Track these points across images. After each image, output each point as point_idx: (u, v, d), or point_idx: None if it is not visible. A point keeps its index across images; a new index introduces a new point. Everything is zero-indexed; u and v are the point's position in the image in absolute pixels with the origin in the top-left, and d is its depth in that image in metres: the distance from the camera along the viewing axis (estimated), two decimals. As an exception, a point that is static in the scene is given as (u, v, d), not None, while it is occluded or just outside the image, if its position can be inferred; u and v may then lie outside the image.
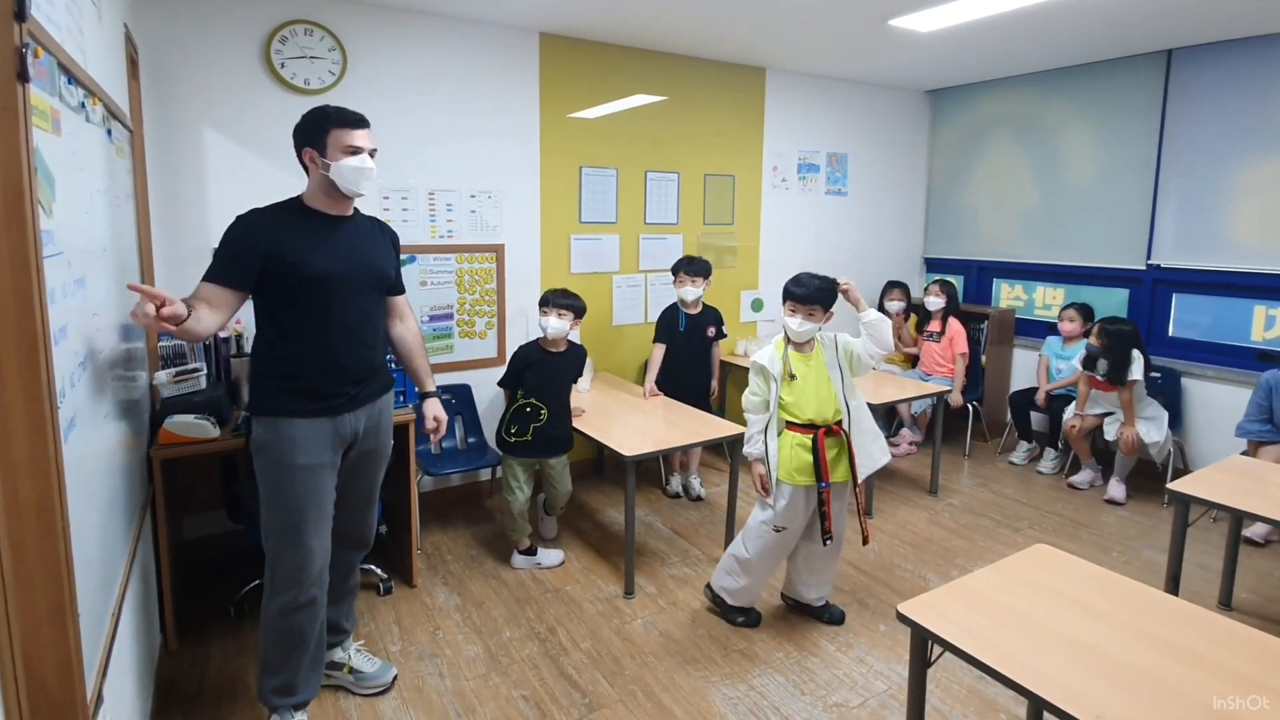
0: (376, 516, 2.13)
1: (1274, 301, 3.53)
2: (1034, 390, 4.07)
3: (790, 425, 2.26)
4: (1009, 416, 4.30)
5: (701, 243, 4.21)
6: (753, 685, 2.12)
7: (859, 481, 2.28)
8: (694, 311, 3.54)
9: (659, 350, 3.50)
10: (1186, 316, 3.88)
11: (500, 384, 2.93)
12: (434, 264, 3.36)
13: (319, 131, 1.78)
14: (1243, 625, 1.44)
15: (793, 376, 2.25)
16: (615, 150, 3.84)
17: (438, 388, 3.27)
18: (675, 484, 3.65)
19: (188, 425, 2.24)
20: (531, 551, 2.86)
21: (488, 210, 3.47)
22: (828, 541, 2.29)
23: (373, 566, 2.68)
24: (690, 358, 3.53)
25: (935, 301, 4.27)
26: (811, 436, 2.22)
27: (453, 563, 2.89)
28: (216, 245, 1.76)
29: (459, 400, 3.42)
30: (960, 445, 4.30)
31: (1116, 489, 3.59)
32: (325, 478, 1.82)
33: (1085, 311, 3.96)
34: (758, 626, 2.43)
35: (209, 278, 1.71)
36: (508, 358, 3.51)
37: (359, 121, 1.83)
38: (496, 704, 2.04)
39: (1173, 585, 2.33)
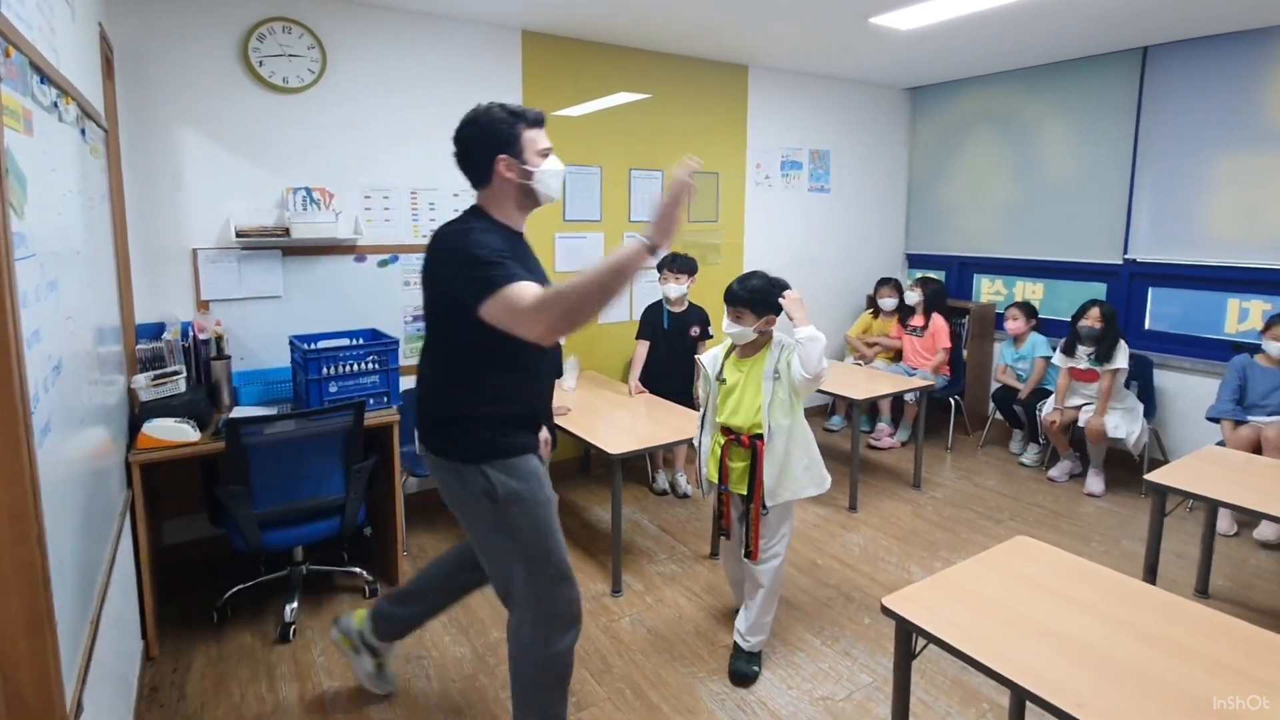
0: None
1: (1247, 294, 3.61)
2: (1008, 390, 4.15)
3: (723, 428, 2.18)
4: (990, 410, 4.36)
5: (686, 240, 4.21)
6: (735, 682, 2.14)
7: (765, 502, 2.09)
8: (678, 309, 3.55)
9: (642, 347, 3.51)
10: (1162, 310, 3.96)
11: None
12: (417, 264, 3.32)
13: (513, 134, 1.59)
14: (1220, 613, 1.47)
15: (721, 380, 2.17)
16: (599, 148, 3.84)
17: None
18: (662, 481, 3.66)
19: (167, 429, 2.22)
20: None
21: (471, 209, 3.45)
22: (724, 537, 2.25)
23: (357, 569, 2.66)
24: (674, 355, 3.53)
25: (912, 296, 4.38)
26: (721, 437, 2.17)
27: (439, 564, 2.87)
28: (474, 255, 1.45)
29: (444, 400, 3.40)
30: (943, 439, 4.35)
31: (1095, 483, 3.65)
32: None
33: (1028, 309, 4.11)
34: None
35: (519, 277, 1.42)
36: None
37: (542, 119, 1.66)
38: (484, 705, 2.04)
39: (1150, 574, 2.38)
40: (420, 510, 3.33)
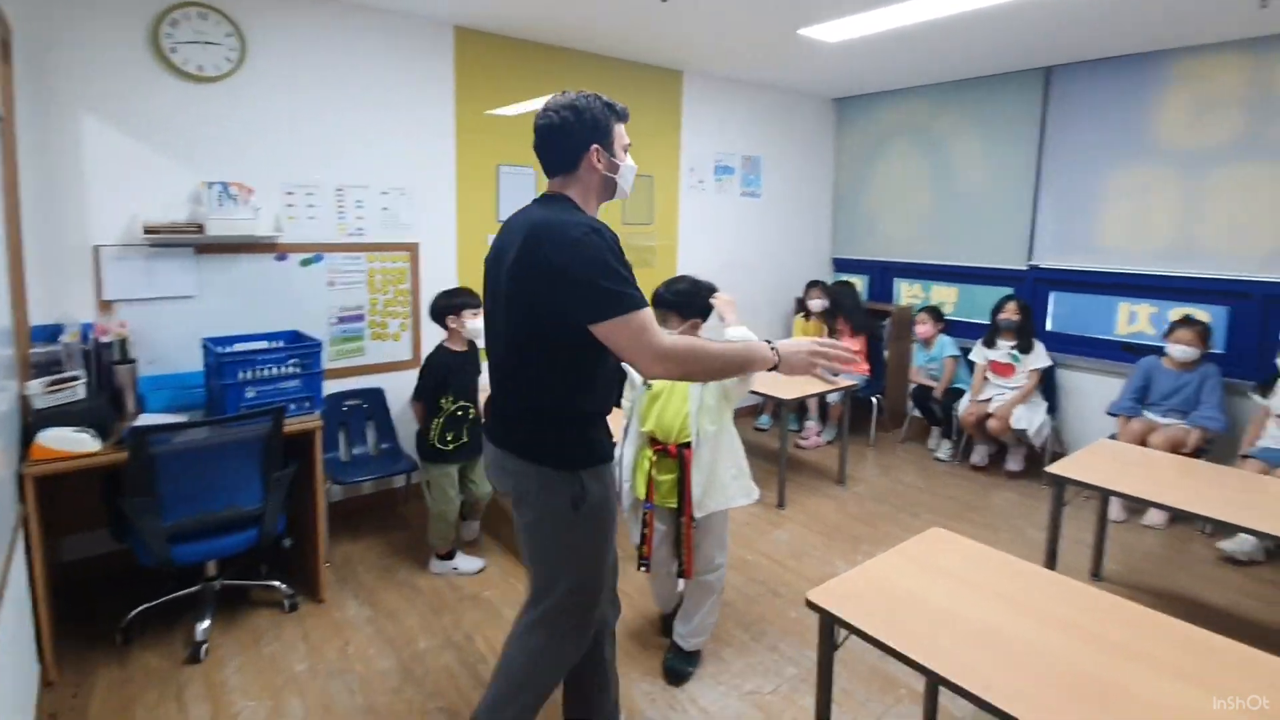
0: None
1: (1136, 299, 3.93)
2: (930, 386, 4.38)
3: (650, 438, 2.12)
4: (909, 408, 4.58)
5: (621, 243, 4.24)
6: (669, 680, 2.17)
7: (693, 514, 2.07)
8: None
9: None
10: (1061, 312, 4.26)
11: (416, 397, 2.83)
12: (343, 263, 3.23)
13: (608, 125, 1.53)
14: (1111, 595, 1.59)
15: (647, 385, 2.11)
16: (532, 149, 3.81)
17: (347, 392, 3.18)
18: None
19: (64, 439, 2.08)
20: (450, 556, 2.81)
21: (401, 208, 3.37)
22: (642, 568, 2.15)
23: (276, 583, 2.56)
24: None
25: (816, 303, 4.61)
26: (651, 452, 2.10)
27: (364, 574, 2.80)
28: (610, 264, 1.37)
29: (371, 404, 3.31)
30: (866, 436, 4.54)
31: (1013, 462, 4.02)
32: None
33: (935, 314, 4.36)
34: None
35: (642, 305, 1.38)
36: (424, 360, 3.46)
37: (628, 114, 1.61)
38: (411, 718, 2.00)
39: (1051, 560, 2.55)
40: (345, 519, 3.23)
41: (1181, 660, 1.36)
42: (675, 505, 2.10)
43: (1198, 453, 3.24)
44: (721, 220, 4.74)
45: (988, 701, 1.25)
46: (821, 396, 4.16)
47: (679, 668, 2.19)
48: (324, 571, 2.59)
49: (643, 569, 2.17)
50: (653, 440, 2.12)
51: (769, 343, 1.51)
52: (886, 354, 4.72)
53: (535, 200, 1.58)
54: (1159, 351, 3.53)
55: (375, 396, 3.33)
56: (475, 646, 2.33)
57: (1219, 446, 3.36)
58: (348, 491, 3.31)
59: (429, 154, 3.43)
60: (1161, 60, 3.68)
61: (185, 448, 2.18)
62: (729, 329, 2.06)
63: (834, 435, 4.52)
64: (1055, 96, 4.12)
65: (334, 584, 2.70)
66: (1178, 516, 3.32)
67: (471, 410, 2.79)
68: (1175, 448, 3.21)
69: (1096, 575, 2.91)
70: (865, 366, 4.57)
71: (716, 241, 4.70)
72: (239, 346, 2.62)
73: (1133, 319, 3.95)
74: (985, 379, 4.09)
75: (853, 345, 4.51)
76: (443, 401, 2.74)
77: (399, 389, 3.42)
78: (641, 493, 2.13)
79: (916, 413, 4.50)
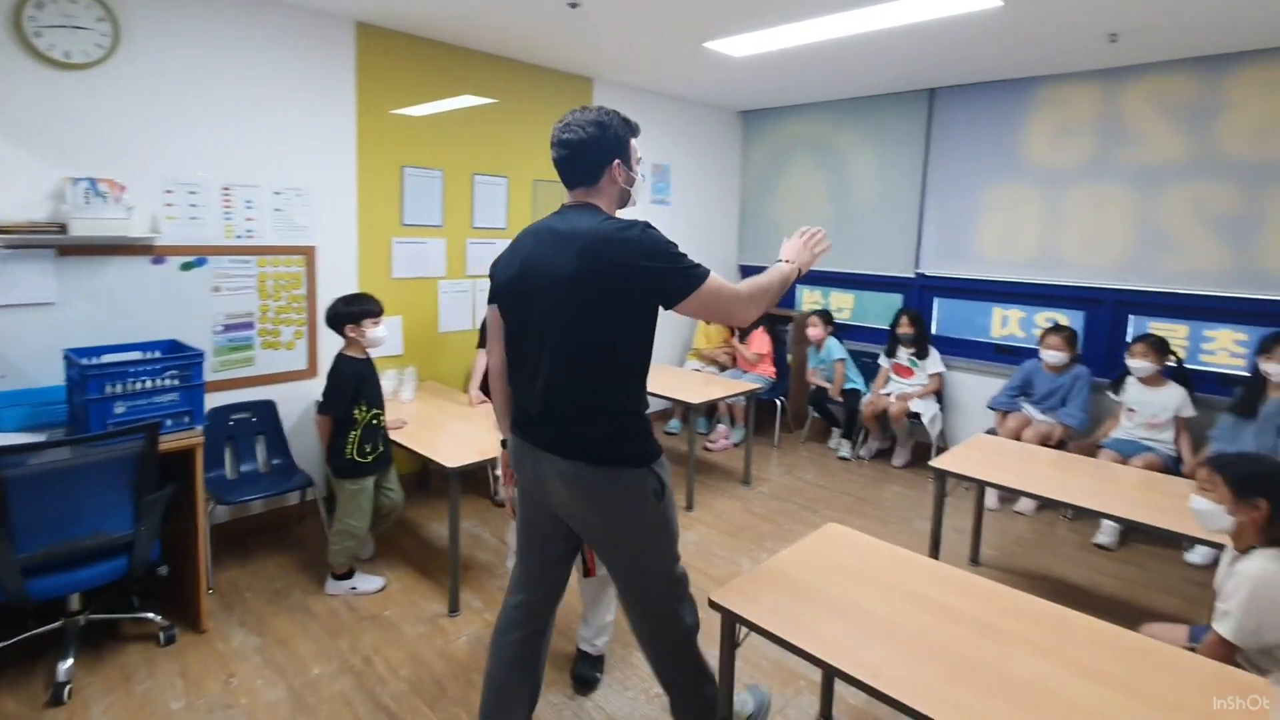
0: None
1: (1008, 304, 4.28)
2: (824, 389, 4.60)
3: None
4: (809, 409, 4.79)
5: (532, 248, 4.20)
6: (573, 695, 2.16)
7: None
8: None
9: (483, 356, 3.44)
10: (945, 316, 4.58)
11: (327, 411, 2.61)
12: (230, 267, 3.03)
13: (626, 141, 1.65)
14: (987, 580, 1.72)
15: None
16: (441, 151, 3.72)
17: (234, 405, 2.98)
18: (505, 492, 3.60)
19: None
20: (349, 575, 2.68)
21: (296, 209, 3.20)
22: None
23: (150, 615, 2.36)
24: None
25: None
26: None
27: (252, 599, 2.62)
28: (673, 250, 1.52)
29: (261, 418, 3.11)
30: (771, 437, 4.71)
31: (899, 456, 4.34)
32: None
33: (825, 316, 4.61)
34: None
35: (708, 271, 1.53)
36: (321, 370, 3.29)
37: (639, 130, 1.73)
38: (303, 748, 1.90)
39: (934, 549, 2.73)
40: (231, 542, 3.02)
41: (1047, 638, 1.48)
42: None
43: (1062, 445, 3.57)
44: (633, 227, 4.77)
45: (875, 688, 1.33)
46: (726, 401, 4.30)
47: (588, 674, 2.19)
48: (206, 600, 2.41)
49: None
50: None
51: (782, 260, 1.71)
52: (790, 358, 4.92)
53: (563, 212, 1.64)
54: (1034, 354, 3.86)
55: (266, 409, 3.13)
56: (374, 669, 2.23)
57: (1086, 437, 3.71)
58: (235, 512, 3.09)
59: (328, 153, 3.27)
60: (1028, 87, 4.04)
61: (42, 470, 1.98)
62: None
63: (742, 437, 4.66)
64: (938, 117, 4.43)
65: (218, 613, 2.51)
66: (1044, 503, 3.63)
67: (383, 417, 2.70)
68: (1044, 441, 3.52)
69: (975, 561, 3.14)
70: (772, 369, 4.74)
71: (628, 248, 4.73)
72: (108, 358, 2.42)
73: (1005, 323, 4.31)
74: (888, 379, 4.39)
75: (763, 347, 4.68)
76: (356, 412, 2.61)
77: (293, 401, 3.24)
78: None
79: (815, 414, 4.71)
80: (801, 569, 1.77)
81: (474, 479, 3.76)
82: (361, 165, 3.39)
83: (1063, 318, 4.03)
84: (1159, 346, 3.37)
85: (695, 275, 1.50)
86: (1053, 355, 3.68)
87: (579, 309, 1.51)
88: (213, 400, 2.94)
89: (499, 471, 2.21)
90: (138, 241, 2.73)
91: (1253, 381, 3.05)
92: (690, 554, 3.07)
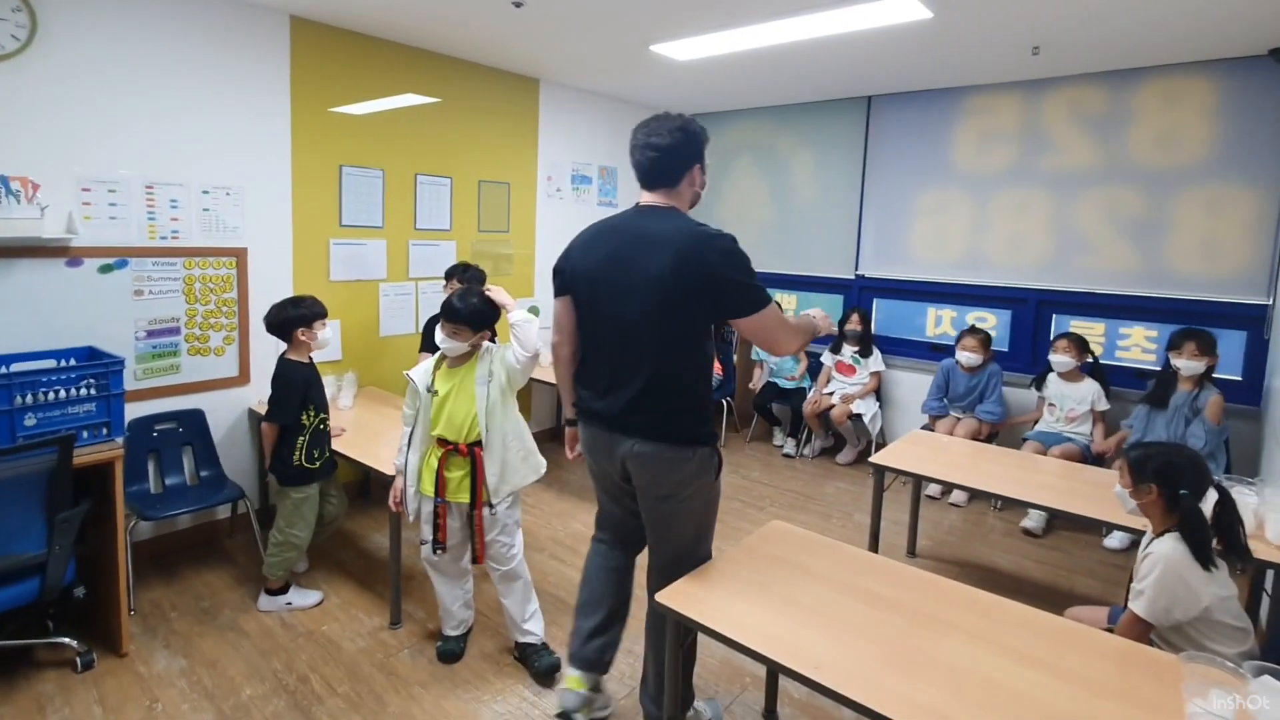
0: None
1: (940, 304, 4.46)
2: (770, 390, 4.68)
3: (440, 440, 2.16)
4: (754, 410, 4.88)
5: (476, 250, 4.14)
6: (524, 696, 2.14)
7: (491, 502, 2.14)
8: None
9: (427, 361, 3.37)
10: (883, 316, 4.74)
11: (277, 418, 2.50)
12: (153, 270, 2.88)
13: (704, 150, 1.81)
14: (923, 571, 1.78)
15: (433, 392, 2.17)
16: (382, 150, 3.62)
17: (158, 415, 2.76)
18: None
19: None
20: (284, 590, 2.58)
21: (226, 209, 3.06)
22: (438, 551, 2.19)
23: (66, 640, 2.21)
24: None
25: None
26: (442, 452, 2.15)
27: (178, 620, 2.49)
28: (751, 268, 1.69)
29: (188, 428, 2.97)
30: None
31: (845, 455, 4.46)
32: None
33: None
34: (454, 660, 2.29)
35: (772, 299, 1.71)
36: (254, 377, 3.16)
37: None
38: (234, 773, 1.81)
39: (874, 543, 2.80)
40: (156, 560, 2.87)
41: (979, 624, 1.55)
42: (467, 499, 2.16)
43: (990, 438, 3.74)
44: (579, 229, 4.73)
45: (816, 681, 1.36)
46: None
47: (545, 661, 2.22)
48: (127, 622, 2.27)
49: (439, 552, 2.21)
50: (442, 441, 2.17)
51: (814, 316, 1.88)
52: (735, 359, 4.99)
53: (645, 211, 1.78)
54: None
55: (194, 419, 2.99)
56: (311, 687, 2.15)
57: (1012, 429, 3.89)
58: (159, 528, 2.93)
59: (260, 151, 3.14)
60: (957, 96, 4.21)
61: (-64, 489, 1.83)
62: (511, 314, 2.18)
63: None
64: (875, 123, 4.58)
65: (140, 635, 2.38)
66: (975, 495, 3.80)
67: (328, 422, 2.64)
68: (974, 437, 3.69)
69: (912, 553, 3.25)
70: (719, 368, 4.80)
71: (575, 250, 4.71)
72: (18, 366, 2.28)
73: (939, 322, 4.49)
74: (830, 377, 4.50)
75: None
76: (304, 418, 2.52)
77: (223, 410, 3.10)
78: (430, 490, 2.17)
79: (759, 414, 4.80)
80: (746, 566, 1.80)
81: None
82: (296, 164, 3.27)
83: (991, 317, 4.23)
84: (1079, 344, 3.57)
85: (765, 298, 1.68)
86: (968, 357, 3.85)
87: (673, 306, 1.66)
88: (135, 410, 2.79)
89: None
90: (51, 243, 2.57)
91: (1164, 374, 3.25)
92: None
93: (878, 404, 4.39)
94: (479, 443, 2.14)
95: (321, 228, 3.41)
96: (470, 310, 2.12)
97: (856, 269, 4.73)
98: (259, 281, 3.17)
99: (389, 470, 2.41)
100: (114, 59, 2.68)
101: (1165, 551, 1.73)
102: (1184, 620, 1.69)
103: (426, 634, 2.44)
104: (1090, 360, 3.61)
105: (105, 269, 2.75)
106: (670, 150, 1.73)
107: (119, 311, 2.79)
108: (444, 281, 3.53)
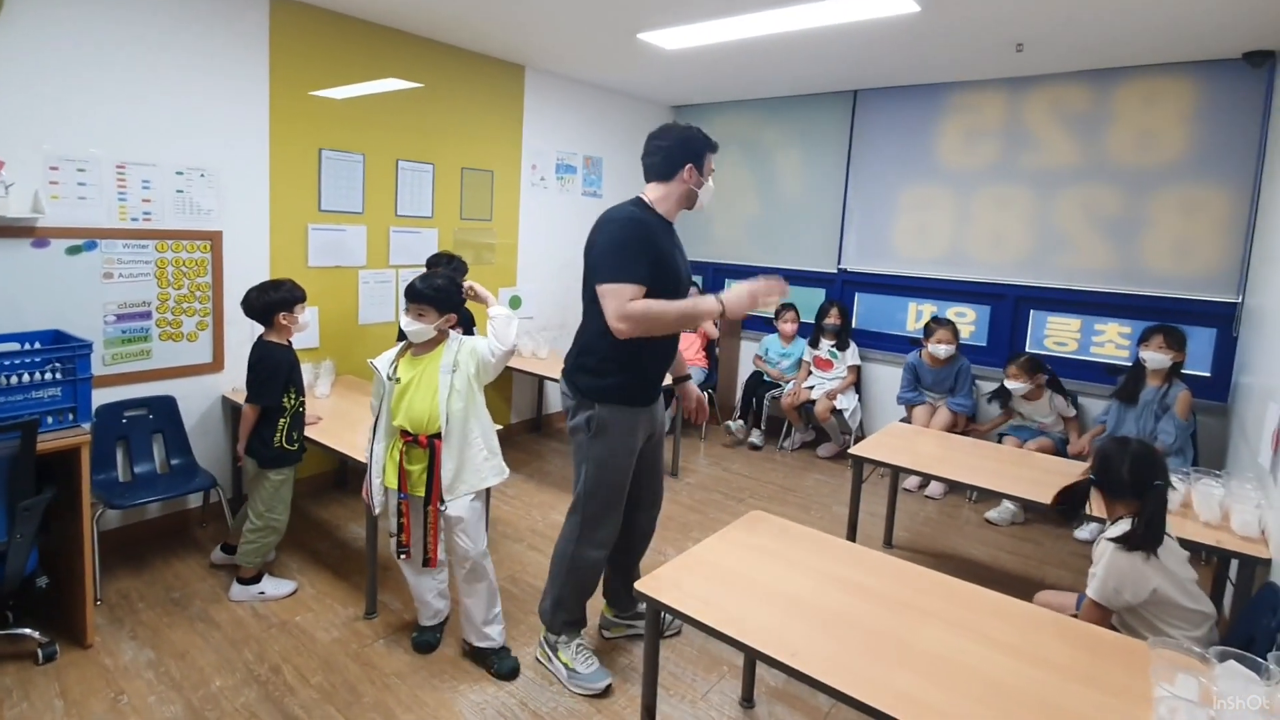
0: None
1: (921, 299, 4.50)
2: (758, 379, 4.68)
3: (402, 433, 2.09)
4: (738, 401, 4.89)
5: (458, 238, 4.10)
6: (502, 686, 2.12)
7: (443, 497, 2.07)
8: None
9: (407, 350, 3.34)
10: (864, 311, 4.76)
11: (261, 400, 2.46)
12: (124, 252, 2.80)
13: (701, 151, 2.05)
14: (900, 560, 1.80)
15: (394, 380, 2.09)
16: (363, 135, 3.56)
17: (128, 401, 2.70)
18: None
19: None
20: (256, 580, 2.54)
21: (200, 191, 2.99)
22: (401, 556, 2.14)
23: (28, 630, 2.15)
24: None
25: None
26: (403, 444, 2.09)
27: (145, 611, 2.44)
28: (621, 241, 1.90)
29: (159, 416, 2.90)
30: (699, 429, 4.77)
31: (825, 449, 4.48)
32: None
33: (797, 313, 4.73)
34: (430, 650, 2.27)
35: (637, 279, 1.87)
36: (229, 363, 3.10)
37: (718, 147, 2.13)
38: (202, 765, 1.78)
39: (852, 533, 2.83)
40: (124, 549, 2.80)
41: (953, 611, 1.56)
42: (423, 493, 2.10)
43: (966, 430, 3.80)
44: (563, 219, 4.73)
45: (793, 668, 1.36)
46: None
47: (506, 664, 2.18)
48: (92, 612, 2.22)
49: (402, 556, 2.16)
50: (404, 433, 2.10)
51: (714, 295, 1.96)
52: (718, 351, 4.99)
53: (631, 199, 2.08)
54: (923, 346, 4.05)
55: (165, 405, 2.92)
56: (283, 678, 2.11)
57: (985, 431, 3.94)
58: (128, 517, 2.86)
59: (236, 133, 3.07)
60: (942, 92, 4.24)
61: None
62: (491, 309, 2.15)
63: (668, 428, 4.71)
64: (860, 118, 4.59)
65: (106, 626, 2.32)
66: (952, 487, 3.84)
67: (304, 405, 2.61)
68: (949, 428, 3.73)
69: (889, 543, 3.28)
70: (705, 361, 4.80)
71: (557, 240, 4.68)
72: (-23, 349, 2.19)
73: (919, 317, 4.53)
74: (809, 372, 4.51)
75: (699, 340, 4.74)
76: (286, 400, 2.50)
77: (196, 397, 3.03)
78: (393, 483, 2.12)
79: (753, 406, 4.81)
80: (725, 556, 1.80)
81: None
82: (275, 146, 3.21)
83: (970, 312, 4.27)
84: (1029, 367, 3.60)
85: (610, 275, 1.88)
86: (943, 349, 3.87)
87: (585, 273, 2.04)
88: (103, 396, 2.72)
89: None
90: (16, 222, 2.49)
91: (1133, 370, 3.30)
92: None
93: (857, 398, 4.42)
94: (439, 435, 2.06)
95: (300, 212, 3.34)
96: (434, 290, 2.06)
97: (839, 263, 4.75)
98: (234, 266, 3.11)
99: (365, 459, 2.37)
100: (84, 33, 2.59)
101: (1116, 536, 1.78)
102: (1135, 602, 1.74)
103: (402, 624, 2.42)
104: (1046, 377, 3.64)
105: (73, 250, 2.67)
106: (668, 149, 2.03)
107: (87, 294, 2.71)
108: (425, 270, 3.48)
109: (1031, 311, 4.10)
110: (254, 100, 3.11)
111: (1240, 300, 3.43)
